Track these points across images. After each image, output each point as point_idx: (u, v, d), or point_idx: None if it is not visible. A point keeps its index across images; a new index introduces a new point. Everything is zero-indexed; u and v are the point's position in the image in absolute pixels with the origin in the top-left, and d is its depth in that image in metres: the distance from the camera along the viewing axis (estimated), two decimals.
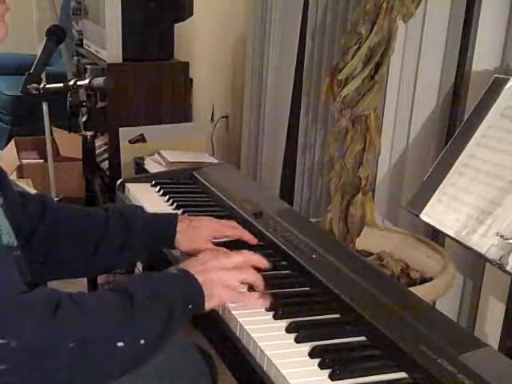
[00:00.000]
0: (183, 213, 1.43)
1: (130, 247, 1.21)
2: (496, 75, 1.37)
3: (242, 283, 1.07)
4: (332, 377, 0.88)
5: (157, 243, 1.26)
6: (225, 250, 1.16)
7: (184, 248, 1.25)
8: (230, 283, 1.03)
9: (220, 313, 1.06)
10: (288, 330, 0.98)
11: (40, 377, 0.82)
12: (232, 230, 1.29)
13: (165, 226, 1.25)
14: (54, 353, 0.82)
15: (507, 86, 1.33)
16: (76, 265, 1.22)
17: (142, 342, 0.89)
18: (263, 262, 1.12)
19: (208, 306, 0.99)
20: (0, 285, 0.83)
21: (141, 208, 1.32)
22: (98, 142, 3.08)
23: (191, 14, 2.90)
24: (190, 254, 1.22)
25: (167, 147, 2.57)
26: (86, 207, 1.43)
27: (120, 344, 0.87)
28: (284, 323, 1.00)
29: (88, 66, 2.97)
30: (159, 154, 2.50)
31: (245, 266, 1.08)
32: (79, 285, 2.24)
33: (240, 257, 1.08)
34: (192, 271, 1.00)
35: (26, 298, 0.84)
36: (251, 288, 1.08)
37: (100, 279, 2.36)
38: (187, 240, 1.24)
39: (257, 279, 1.07)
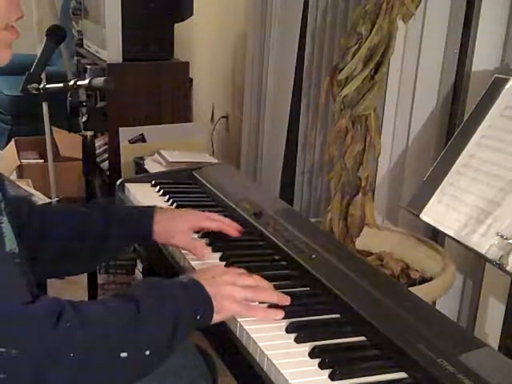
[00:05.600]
0: None
1: (112, 237, 1.22)
2: (496, 75, 1.37)
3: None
4: (332, 377, 0.88)
5: (135, 233, 1.26)
6: (239, 270, 1.10)
7: (161, 239, 1.25)
8: (240, 297, 1.01)
9: None
10: (288, 330, 0.98)
11: None
12: (210, 221, 1.28)
13: (142, 216, 1.25)
14: (54, 363, 0.81)
15: (507, 86, 1.33)
16: (65, 258, 1.22)
17: (147, 352, 0.87)
18: (273, 298, 1.04)
19: (216, 318, 0.98)
20: (2, 294, 0.83)
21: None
22: (98, 142, 3.07)
23: (191, 14, 2.89)
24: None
25: (167, 147, 2.56)
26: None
27: (123, 354, 0.85)
28: (284, 323, 1.00)
29: (88, 66, 2.96)
30: (159, 153, 2.50)
31: (257, 287, 1.05)
32: (79, 285, 2.25)
33: (251, 280, 1.05)
34: (202, 282, 0.98)
35: (28, 308, 0.84)
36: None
37: (100, 279, 2.36)
38: (164, 231, 1.23)
39: (271, 297, 1.04)
